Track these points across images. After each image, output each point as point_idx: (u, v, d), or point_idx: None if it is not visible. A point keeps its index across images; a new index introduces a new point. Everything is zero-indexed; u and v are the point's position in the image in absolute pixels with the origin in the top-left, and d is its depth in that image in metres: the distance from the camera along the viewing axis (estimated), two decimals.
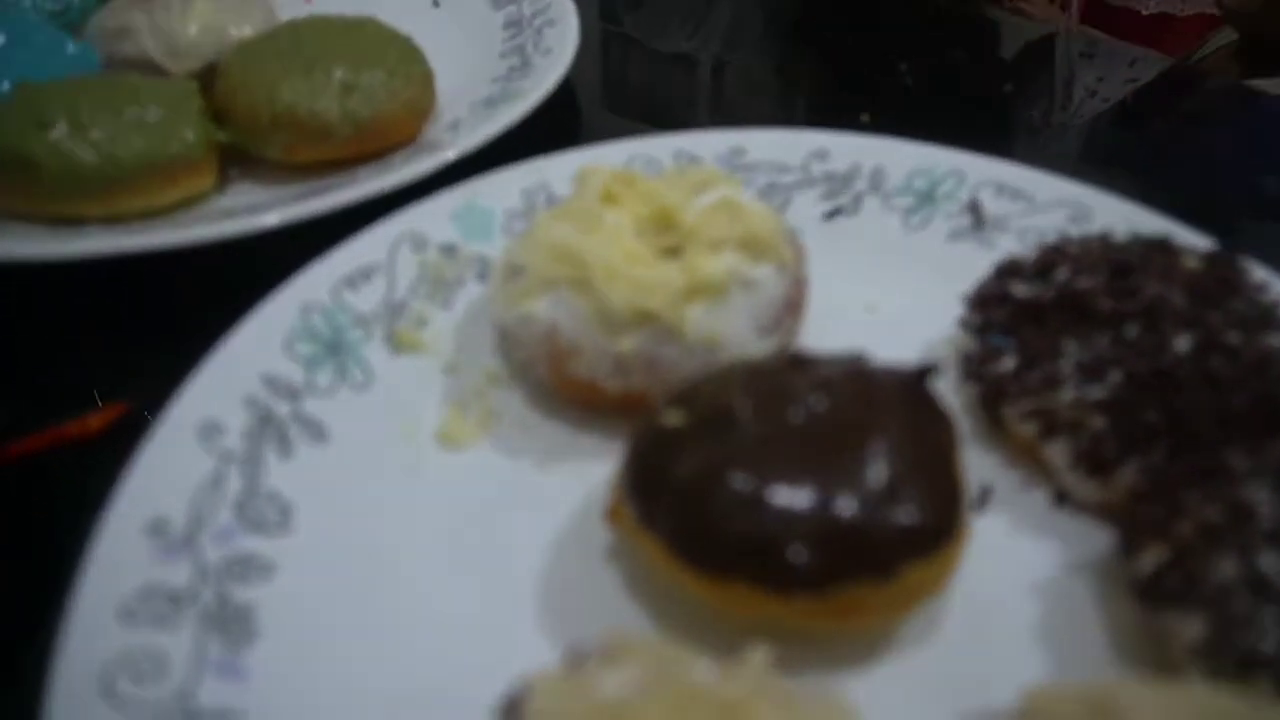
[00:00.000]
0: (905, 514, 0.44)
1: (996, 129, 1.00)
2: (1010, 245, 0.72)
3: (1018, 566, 0.54)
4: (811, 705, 0.37)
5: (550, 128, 0.87)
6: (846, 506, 0.43)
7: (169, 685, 0.42)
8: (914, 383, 0.51)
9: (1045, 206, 0.74)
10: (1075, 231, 0.71)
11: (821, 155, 0.79)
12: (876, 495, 0.44)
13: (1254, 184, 0.91)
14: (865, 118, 0.96)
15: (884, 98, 1.03)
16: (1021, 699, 0.38)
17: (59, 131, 0.70)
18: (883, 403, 0.49)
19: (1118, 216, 0.72)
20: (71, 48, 0.85)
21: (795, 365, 0.51)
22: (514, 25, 1.02)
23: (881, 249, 0.74)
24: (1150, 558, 0.47)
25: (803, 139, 0.79)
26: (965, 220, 0.75)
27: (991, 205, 0.75)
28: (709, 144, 0.79)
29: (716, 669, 0.37)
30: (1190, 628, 0.43)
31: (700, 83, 1.09)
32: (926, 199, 0.76)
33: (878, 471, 0.45)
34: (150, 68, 0.83)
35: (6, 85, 0.78)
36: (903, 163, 0.78)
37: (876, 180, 0.77)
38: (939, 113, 1.00)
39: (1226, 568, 0.43)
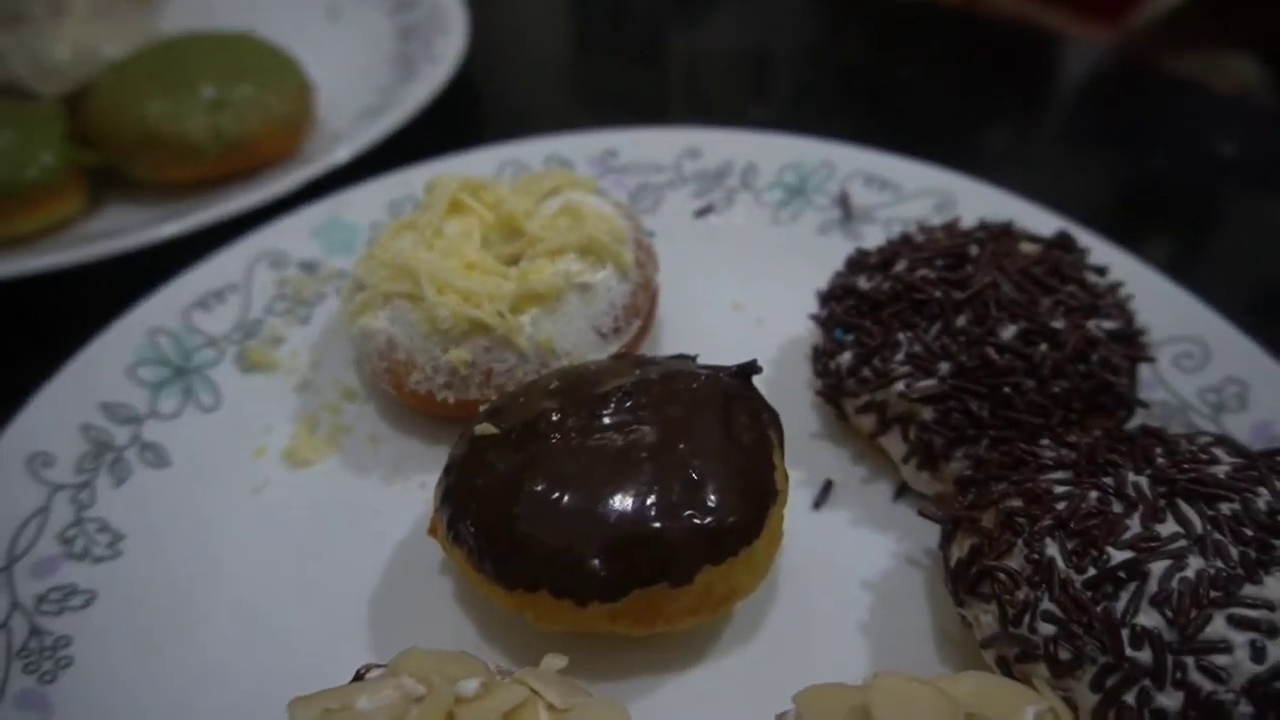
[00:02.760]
0: (701, 519, 0.44)
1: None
2: (878, 236, 0.72)
3: (853, 562, 0.54)
4: (585, 713, 0.37)
5: (456, 131, 0.86)
6: (642, 514, 0.43)
7: None
8: (736, 383, 0.51)
9: (912, 195, 0.74)
10: (939, 219, 0.71)
11: (694, 153, 0.79)
12: (674, 501, 0.44)
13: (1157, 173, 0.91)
14: (759, 113, 0.96)
15: (778, 83, 1.03)
16: (795, 700, 0.38)
17: None
18: (699, 405, 0.49)
19: (981, 202, 0.72)
20: None
21: (616, 369, 0.51)
22: (406, 32, 1.01)
23: (751, 245, 0.74)
24: (958, 550, 0.47)
25: (675, 138, 0.79)
26: (835, 213, 0.75)
27: (861, 196, 0.75)
28: (582, 147, 0.79)
29: (485, 685, 0.37)
30: (985, 618, 0.44)
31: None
32: (797, 192, 0.76)
33: (679, 476, 0.45)
34: (21, 91, 0.83)
35: None
36: (774, 157, 0.77)
37: (748, 176, 0.77)
38: (850, 108, 1.01)
39: (1016, 560, 0.43)
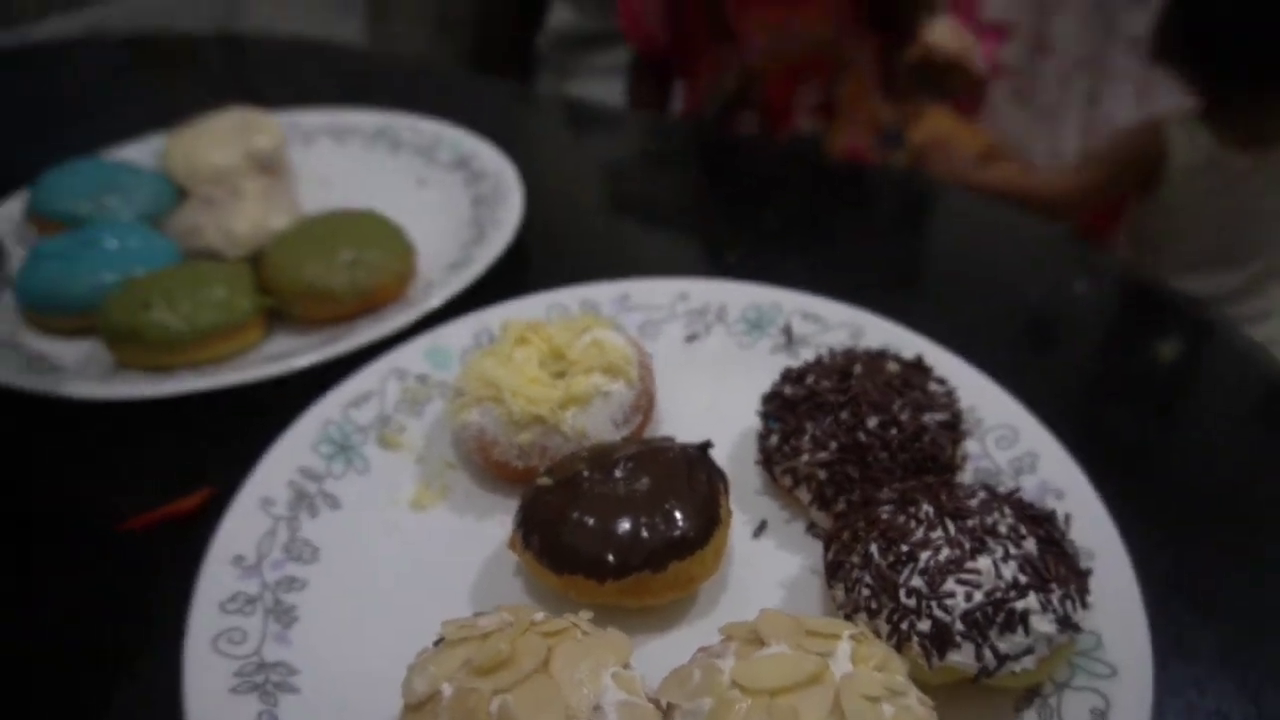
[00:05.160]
0: (671, 531, 0.75)
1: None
2: (810, 355, 1.04)
3: (777, 570, 0.84)
4: (601, 635, 0.67)
5: (511, 275, 1.21)
6: (636, 529, 0.75)
7: (248, 646, 0.73)
8: (698, 454, 0.83)
9: (834, 327, 1.07)
10: (851, 344, 1.03)
11: (684, 296, 1.12)
12: (655, 522, 0.75)
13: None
14: (731, 257, 1.30)
15: (753, 236, 1.37)
16: (720, 631, 0.68)
17: (158, 311, 1.04)
18: (673, 466, 0.80)
19: (881, 333, 1.04)
20: (159, 242, 1.20)
21: (623, 446, 0.83)
22: (477, 201, 1.37)
23: (723, 362, 1.06)
24: (829, 555, 0.77)
25: (671, 286, 1.12)
26: (782, 339, 1.07)
27: (799, 328, 1.07)
28: (605, 293, 1.12)
29: (545, 617, 0.68)
30: (839, 594, 0.74)
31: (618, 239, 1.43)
32: (756, 325, 1.09)
33: (659, 508, 0.76)
34: (215, 255, 1.18)
35: (115, 276, 1.12)
36: (740, 300, 1.10)
37: (721, 313, 1.10)
38: (799, 251, 1.35)
39: (855, 558, 0.73)
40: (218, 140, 1.37)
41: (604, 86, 2.86)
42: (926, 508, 0.74)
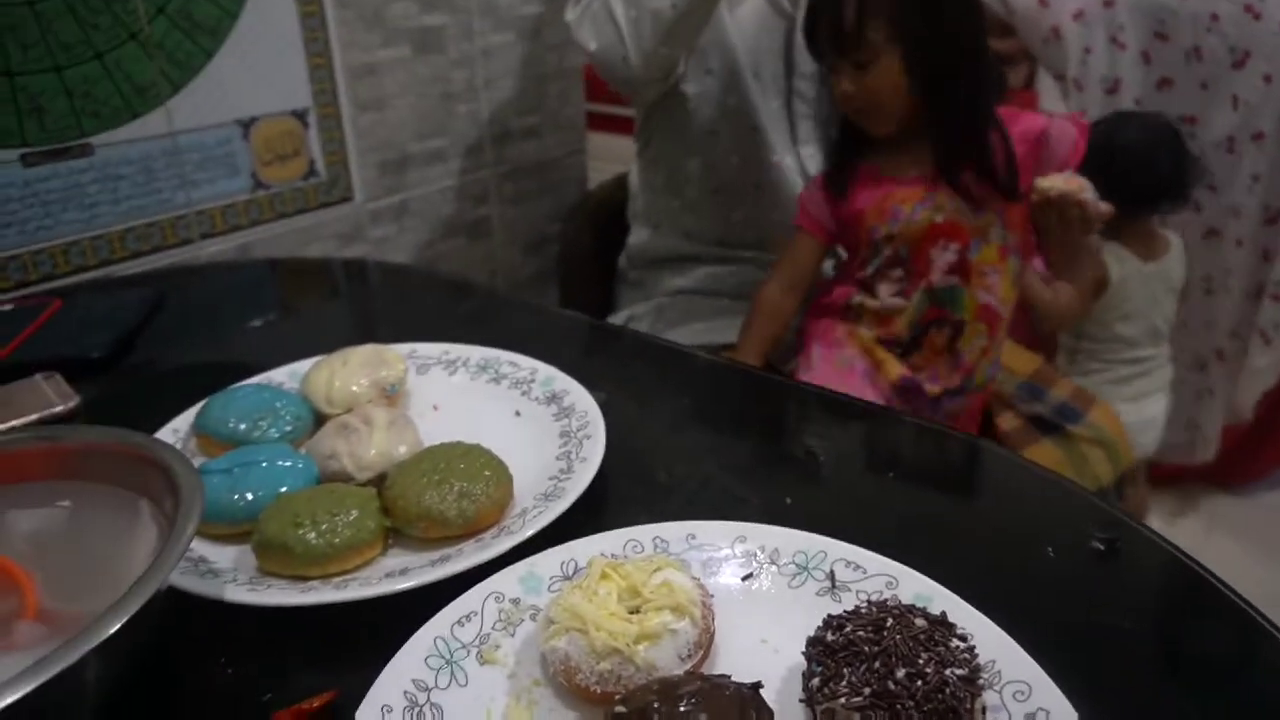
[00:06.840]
0: None
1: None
2: (852, 600, 1.19)
3: None
4: None
5: (592, 504, 1.40)
6: None
7: None
8: (750, 691, 0.98)
9: (872, 575, 1.22)
10: (889, 593, 1.18)
11: (742, 539, 1.29)
12: None
13: None
14: (788, 500, 1.48)
15: (807, 482, 1.55)
16: None
17: (305, 528, 1.25)
18: (731, 703, 0.95)
19: (914, 583, 1.19)
20: (301, 464, 1.43)
21: (687, 680, 0.98)
22: (565, 435, 1.58)
23: (775, 602, 1.22)
24: None
25: (730, 528, 1.30)
26: (827, 583, 1.23)
27: (842, 574, 1.23)
28: (674, 532, 1.30)
29: None
30: None
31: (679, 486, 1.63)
32: (803, 569, 1.25)
33: None
34: (347, 478, 1.41)
35: (269, 494, 1.35)
36: (789, 545, 1.27)
37: (774, 556, 1.27)
38: (850, 498, 1.52)
39: None
40: (353, 372, 1.64)
41: (681, 300, 3.15)
42: None
